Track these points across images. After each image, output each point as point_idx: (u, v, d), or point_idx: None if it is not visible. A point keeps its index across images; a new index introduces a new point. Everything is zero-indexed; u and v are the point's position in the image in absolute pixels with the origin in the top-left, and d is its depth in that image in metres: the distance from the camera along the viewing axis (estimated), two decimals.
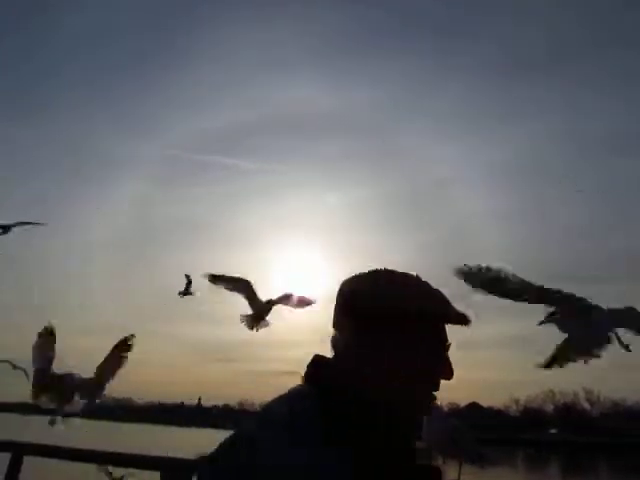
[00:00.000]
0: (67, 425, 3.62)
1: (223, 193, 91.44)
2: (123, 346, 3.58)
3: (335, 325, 1.00)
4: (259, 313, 4.70)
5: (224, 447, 0.86)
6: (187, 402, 79.70)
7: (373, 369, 0.93)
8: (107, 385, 3.63)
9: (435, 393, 0.97)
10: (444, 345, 0.98)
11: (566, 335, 2.70)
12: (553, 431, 53.59)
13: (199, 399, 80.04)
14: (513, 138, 78.40)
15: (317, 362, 0.99)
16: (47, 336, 3.59)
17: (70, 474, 5.50)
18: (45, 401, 3.59)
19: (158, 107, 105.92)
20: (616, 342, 2.65)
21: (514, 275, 2.39)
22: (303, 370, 0.99)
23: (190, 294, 5.77)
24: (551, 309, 2.67)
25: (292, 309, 4.77)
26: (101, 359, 3.57)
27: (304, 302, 4.71)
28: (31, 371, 3.61)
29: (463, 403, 59.19)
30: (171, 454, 3.67)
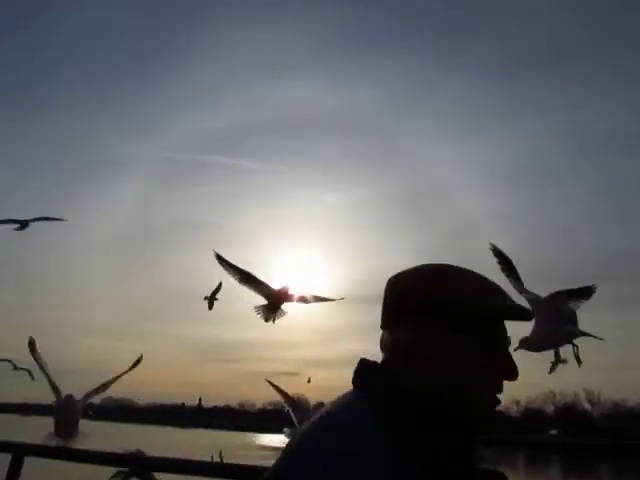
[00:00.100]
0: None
1: (223, 193, 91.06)
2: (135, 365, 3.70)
3: (388, 325, 0.90)
4: (275, 302, 4.39)
5: (327, 465, 0.74)
6: (187, 403, 79.72)
7: (436, 371, 0.84)
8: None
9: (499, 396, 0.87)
10: (506, 342, 0.90)
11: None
12: (554, 432, 53.50)
13: (200, 400, 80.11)
14: (513, 138, 78.20)
15: (368, 366, 0.89)
16: None
17: (70, 474, 5.50)
18: None
19: (158, 107, 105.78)
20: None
21: None
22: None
23: (216, 299, 5.75)
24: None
25: (296, 303, 4.57)
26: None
27: (304, 299, 4.61)
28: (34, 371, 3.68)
29: None
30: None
